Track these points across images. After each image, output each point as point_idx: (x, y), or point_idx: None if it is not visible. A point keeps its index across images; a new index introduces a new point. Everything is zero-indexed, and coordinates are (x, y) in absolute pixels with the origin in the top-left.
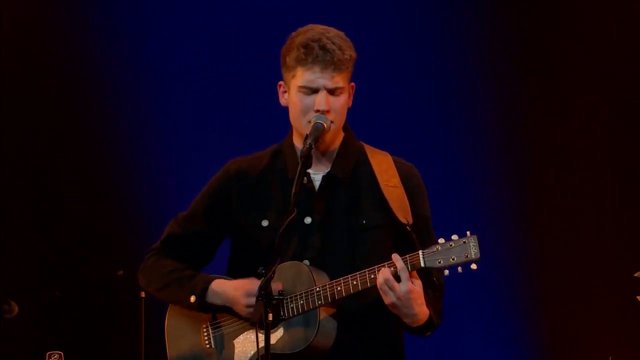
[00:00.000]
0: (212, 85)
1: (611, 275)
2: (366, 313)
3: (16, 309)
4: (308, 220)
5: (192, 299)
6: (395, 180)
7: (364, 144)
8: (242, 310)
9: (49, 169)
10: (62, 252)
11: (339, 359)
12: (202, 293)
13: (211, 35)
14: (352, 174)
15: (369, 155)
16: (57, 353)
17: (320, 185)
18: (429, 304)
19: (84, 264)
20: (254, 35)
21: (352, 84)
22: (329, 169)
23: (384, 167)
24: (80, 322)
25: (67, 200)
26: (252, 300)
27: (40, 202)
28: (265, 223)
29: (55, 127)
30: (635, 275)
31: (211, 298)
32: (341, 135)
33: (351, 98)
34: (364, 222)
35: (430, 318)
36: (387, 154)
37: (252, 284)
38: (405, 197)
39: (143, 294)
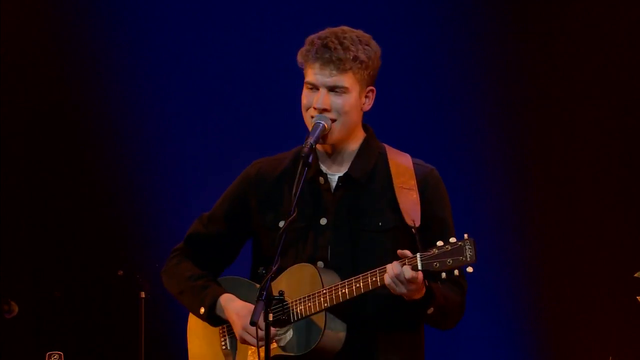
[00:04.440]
0: (213, 86)
1: (611, 275)
2: (374, 313)
3: (16, 309)
4: (324, 221)
5: (202, 310)
6: (412, 182)
7: (386, 145)
8: (238, 339)
9: (49, 169)
10: (62, 252)
11: None
12: (211, 307)
13: (215, 36)
14: (369, 175)
15: (389, 157)
16: (57, 353)
17: (337, 186)
18: (439, 290)
19: (84, 264)
20: (260, 36)
21: (371, 87)
22: (346, 170)
23: (402, 169)
24: (80, 322)
25: (67, 201)
26: (245, 335)
27: (40, 202)
28: (282, 224)
29: (55, 127)
30: (635, 275)
31: (219, 312)
32: (361, 136)
33: (368, 102)
34: (380, 224)
35: (428, 290)
36: (407, 155)
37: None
38: (418, 199)
39: (143, 294)
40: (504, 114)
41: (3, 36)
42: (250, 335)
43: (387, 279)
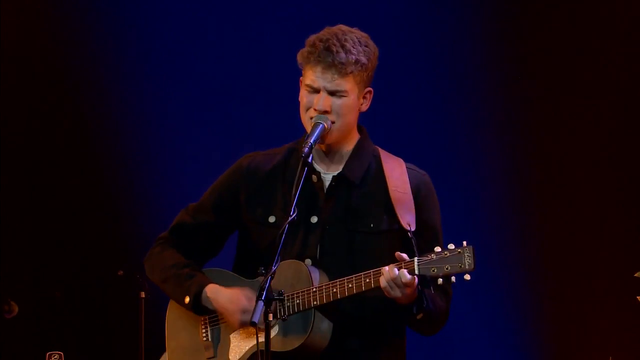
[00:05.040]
0: (214, 86)
1: (611, 275)
2: (363, 315)
3: (16, 309)
4: (314, 219)
5: (187, 299)
6: (406, 186)
7: (379, 148)
8: (235, 325)
9: (49, 169)
10: (62, 252)
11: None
12: (196, 296)
13: (215, 35)
14: (363, 176)
15: (383, 160)
16: (57, 353)
17: (330, 185)
18: (430, 296)
19: (84, 264)
20: (260, 36)
21: (369, 89)
22: (341, 170)
23: (396, 172)
24: (80, 322)
25: (67, 201)
26: (247, 317)
27: (40, 202)
28: (272, 219)
29: (55, 127)
30: (636, 275)
31: (205, 302)
32: (356, 137)
33: (365, 103)
34: (372, 225)
35: (420, 295)
36: (401, 160)
37: (247, 299)
38: (413, 203)
39: (143, 294)
40: (504, 114)
41: (3, 36)
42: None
43: (383, 281)
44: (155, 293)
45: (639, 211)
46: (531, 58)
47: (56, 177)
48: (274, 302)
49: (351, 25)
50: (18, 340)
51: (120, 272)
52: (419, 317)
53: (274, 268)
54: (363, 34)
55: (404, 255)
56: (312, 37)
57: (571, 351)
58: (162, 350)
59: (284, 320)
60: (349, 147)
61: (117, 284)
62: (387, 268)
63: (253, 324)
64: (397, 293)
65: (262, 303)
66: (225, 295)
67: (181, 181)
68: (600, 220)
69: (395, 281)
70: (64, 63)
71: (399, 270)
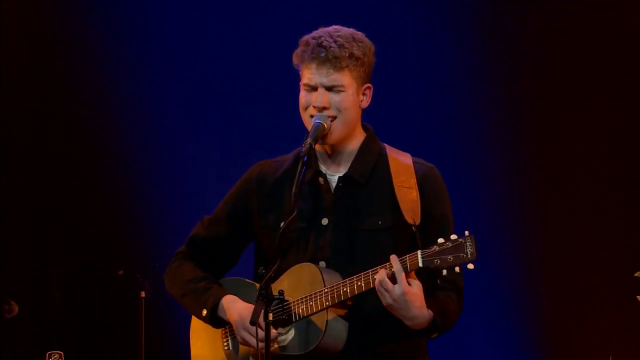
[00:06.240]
0: (216, 87)
1: (611, 275)
2: (379, 313)
3: (16, 309)
4: (325, 221)
5: (204, 312)
6: (412, 181)
7: (386, 145)
8: (239, 339)
9: (49, 169)
10: (62, 252)
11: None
12: (213, 309)
13: (217, 36)
14: (369, 175)
15: (389, 156)
16: (57, 353)
17: (337, 186)
18: (436, 306)
19: (84, 264)
20: (263, 37)
21: (368, 85)
22: (347, 170)
23: (402, 168)
24: (80, 322)
25: (67, 201)
26: (246, 335)
27: (40, 201)
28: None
29: (55, 127)
30: (635, 275)
31: (221, 314)
32: (361, 136)
33: (366, 99)
34: (380, 223)
35: (433, 321)
36: (408, 155)
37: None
38: (418, 198)
39: (143, 294)
40: (504, 114)
41: (3, 36)
42: (251, 335)
43: (376, 282)
44: (155, 293)
45: (639, 211)
46: (531, 58)
47: (56, 177)
48: (282, 306)
49: (350, 25)
50: (18, 340)
51: (121, 272)
52: (433, 336)
53: (274, 267)
54: (358, 32)
55: (394, 258)
56: (305, 37)
57: (571, 351)
58: (163, 350)
59: (284, 320)
60: (354, 146)
61: (117, 284)
62: (378, 268)
63: (253, 324)
64: (386, 299)
65: (262, 303)
66: (237, 308)
67: (181, 181)
68: (600, 220)
69: (382, 284)
70: (64, 63)
71: (386, 273)
